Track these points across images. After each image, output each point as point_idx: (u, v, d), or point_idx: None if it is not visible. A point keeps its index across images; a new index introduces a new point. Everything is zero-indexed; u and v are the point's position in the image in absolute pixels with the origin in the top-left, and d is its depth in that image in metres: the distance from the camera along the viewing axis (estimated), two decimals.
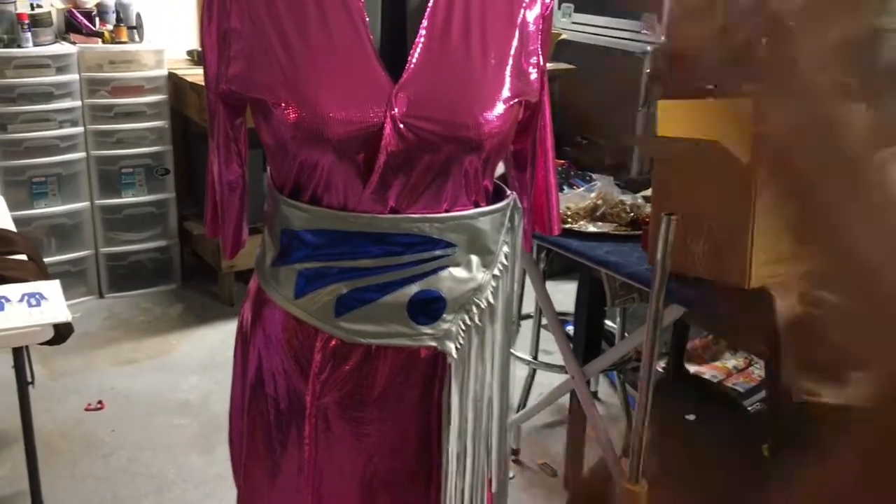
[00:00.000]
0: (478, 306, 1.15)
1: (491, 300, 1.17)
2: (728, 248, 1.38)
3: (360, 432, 1.18)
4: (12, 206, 2.77)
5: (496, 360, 1.22)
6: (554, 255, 3.07)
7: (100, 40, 3.47)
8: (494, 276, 1.17)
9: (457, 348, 1.15)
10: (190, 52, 3.77)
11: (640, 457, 1.40)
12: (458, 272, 1.12)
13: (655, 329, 1.30)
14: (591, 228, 1.79)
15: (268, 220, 1.17)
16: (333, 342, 1.13)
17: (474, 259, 1.14)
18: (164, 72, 3.55)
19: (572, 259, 1.76)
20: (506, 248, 1.18)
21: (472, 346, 1.17)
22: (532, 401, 2.78)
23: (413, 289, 1.10)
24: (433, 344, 1.13)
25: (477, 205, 1.14)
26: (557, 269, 3.44)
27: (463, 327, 1.15)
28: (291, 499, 1.22)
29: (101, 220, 3.60)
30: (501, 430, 1.28)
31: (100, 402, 2.87)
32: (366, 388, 1.16)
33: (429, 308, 1.12)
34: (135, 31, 3.52)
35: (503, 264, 1.18)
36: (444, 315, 1.13)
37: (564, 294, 2.76)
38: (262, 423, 1.21)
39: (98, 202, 3.57)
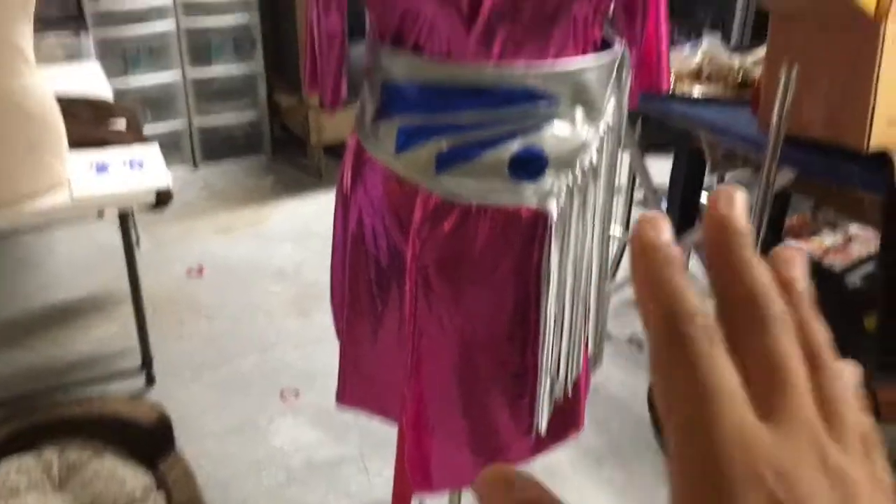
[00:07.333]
0: (581, 165, 1.12)
1: (594, 160, 1.13)
2: (848, 106, 1.29)
3: (460, 292, 1.18)
4: (108, 75, 2.83)
5: (597, 222, 1.19)
6: (647, 128, 2.97)
7: None
8: (598, 135, 1.12)
9: (558, 208, 1.12)
10: None
11: None
12: (562, 128, 1.09)
13: (767, 190, 1.24)
14: (696, 94, 1.71)
15: (368, 74, 1.14)
16: (434, 200, 1.12)
17: (579, 114, 1.09)
18: None
19: (668, 131, 1.68)
20: (612, 104, 1.13)
21: (573, 207, 1.14)
22: (622, 275, 2.76)
23: (514, 145, 1.08)
24: (534, 202, 1.11)
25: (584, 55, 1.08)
26: (650, 143, 3.33)
27: (565, 187, 1.12)
28: (393, 354, 1.24)
29: (193, 92, 3.64)
30: (600, 293, 1.27)
31: (200, 268, 2.98)
32: (465, 248, 1.15)
33: (530, 166, 1.09)
34: None
35: (608, 122, 1.13)
36: (546, 174, 1.10)
37: (655, 171, 2.70)
38: (364, 279, 1.23)
39: (189, 73, 3.60)
